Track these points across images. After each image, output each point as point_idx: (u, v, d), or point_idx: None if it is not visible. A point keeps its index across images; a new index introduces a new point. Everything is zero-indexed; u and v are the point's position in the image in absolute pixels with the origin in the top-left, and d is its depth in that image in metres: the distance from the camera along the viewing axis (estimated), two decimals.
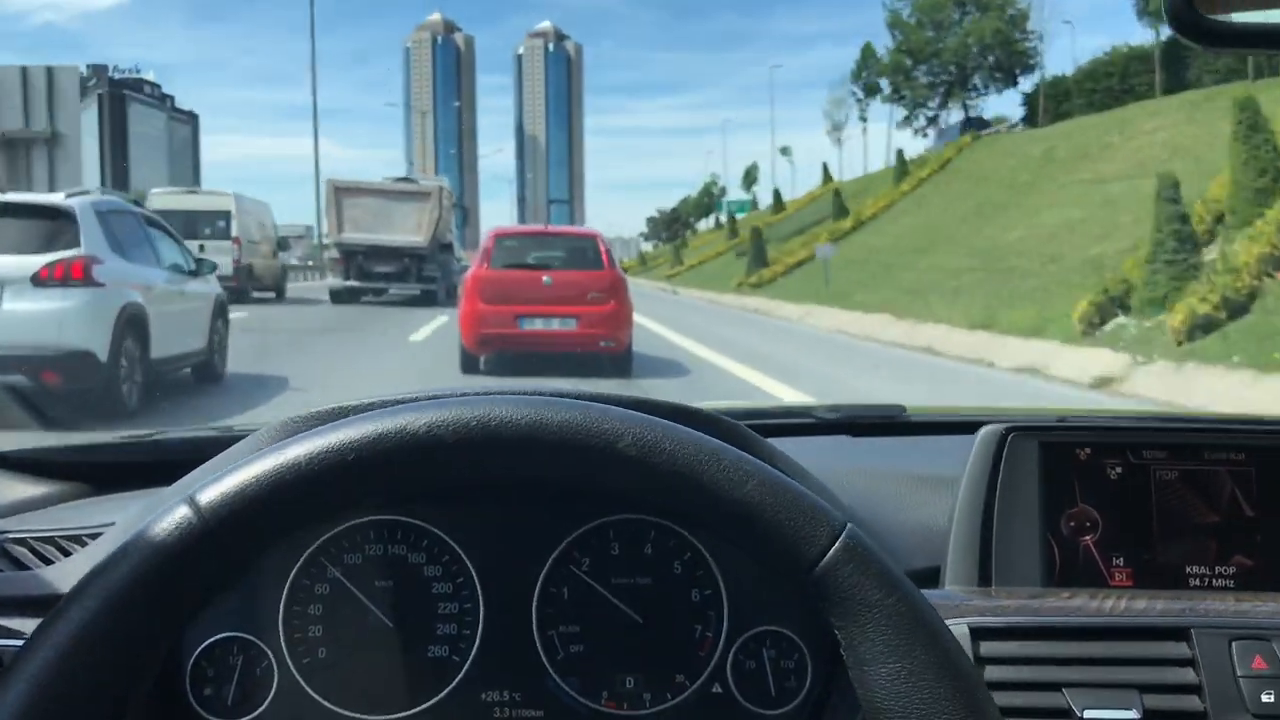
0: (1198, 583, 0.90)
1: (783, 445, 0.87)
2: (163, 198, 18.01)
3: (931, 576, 0.90)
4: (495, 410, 0.58)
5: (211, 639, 0.71)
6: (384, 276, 18.98)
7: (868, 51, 42.64)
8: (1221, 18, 0.54)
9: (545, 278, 8.50)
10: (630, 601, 0.75)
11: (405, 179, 20.09)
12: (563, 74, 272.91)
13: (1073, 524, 0.91)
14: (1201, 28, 0.54)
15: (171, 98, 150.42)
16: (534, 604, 0.75)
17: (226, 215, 17.34)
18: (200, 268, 7.64)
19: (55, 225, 5.81)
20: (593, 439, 0.58)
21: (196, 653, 0.71)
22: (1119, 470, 0.92)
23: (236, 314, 9.47)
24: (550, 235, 9.72)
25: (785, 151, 73.71)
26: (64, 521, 0.87)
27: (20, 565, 0.81)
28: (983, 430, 0.94)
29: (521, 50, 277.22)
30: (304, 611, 0.73)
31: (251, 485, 0.57)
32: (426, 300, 19.07)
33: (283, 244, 20.42)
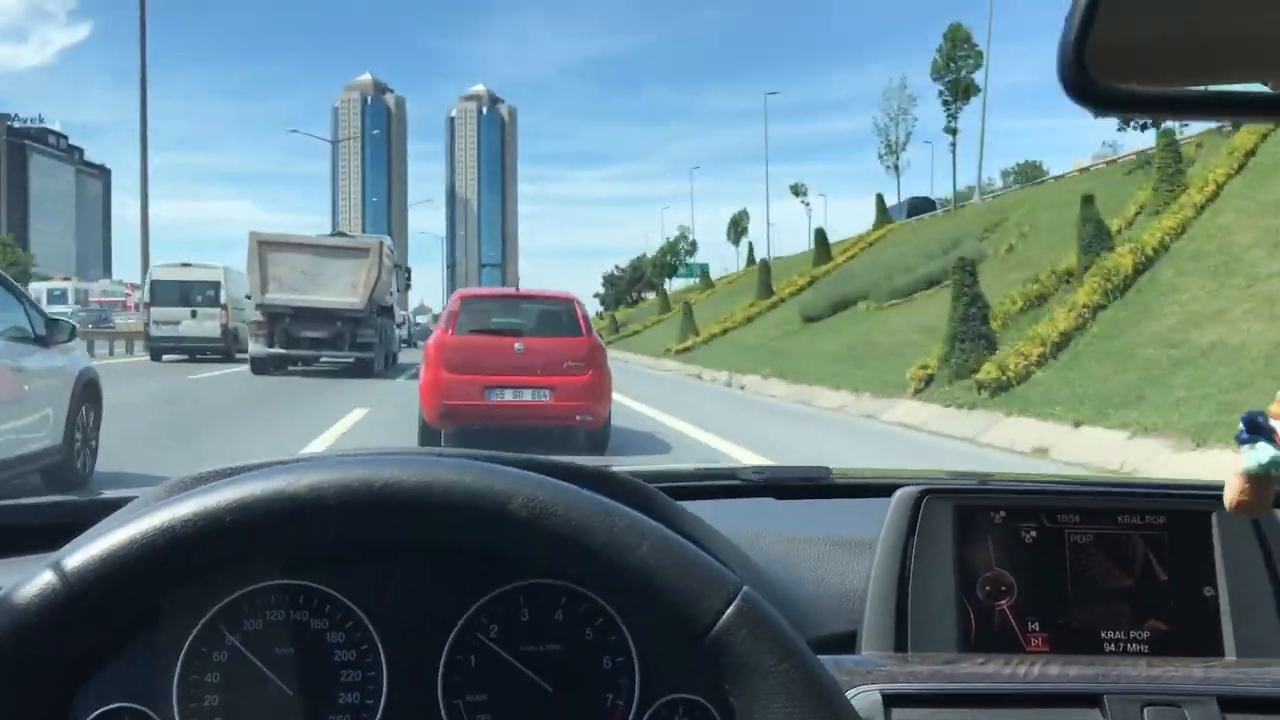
0: (1112, 648, 0.93)
1: (703, 508, 0.90)
2: (162, 270, 21.35)
3: (849, 641, 0.92)
4: (382, 471, 0.59)
5: (101, 710, 0.67)
6: (313, 343, 17.41)
7: (957, 34, 33.95)
8: (1116, 85, 0.55)
9: (516, 344, 7.95)
10: (540, 669, 0.73)
11: (339, 234, 18.57)
12: (496, 137, 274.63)
13: (988, 588, 0.94)
14: (1095, 94, 0.55)
15: (80, 150, 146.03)
16: (440, 672, 0.73)
17: (216, 285, 20.44)
18: (54, 332, 5.69)
19: None
20: (482, 500, 0.59)
21: None
22: (1034, 534, 0.95)
23: (197, 374, 9.00)
24: (522, 299, 8.88)
25: (798, 190, 68.76)
26: None
27: None
28: (898, 493, 0.97)
29: (454, 113, 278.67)
30: (201, 680, 0.70)
31: (120, 549, 0.57)
32: (361, 369, 17.61)
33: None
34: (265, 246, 16.70)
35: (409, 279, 27.40)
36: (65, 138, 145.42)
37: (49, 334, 5.66)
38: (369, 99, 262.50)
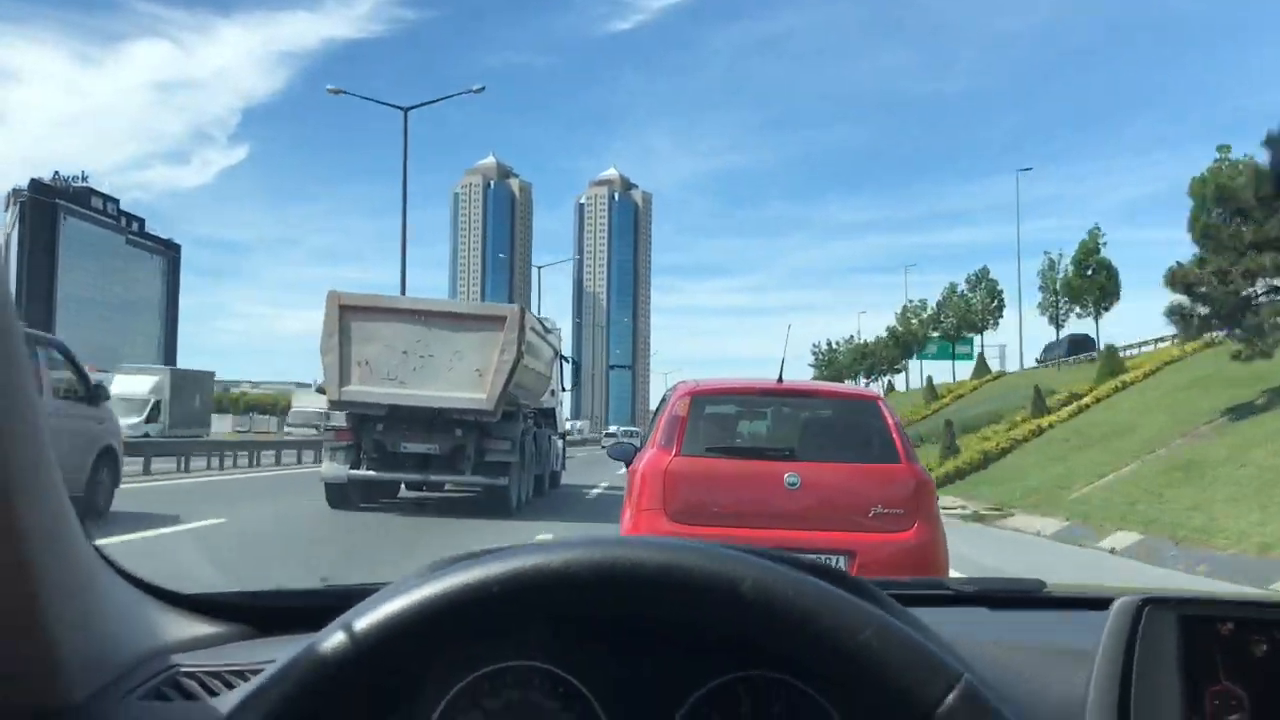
0: None
1: (919, 614, 0.97)
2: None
3: None
4: (629, 552, 0.71)
5: None
6: (418, 461, 12.81)
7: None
8: None
9: (788, 476, 5.12)
10: None
11: (459, 303, 14.06)
12: (629, 225, 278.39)
13: (1217, 703, 0.96)
14: None
15: (140, 220, 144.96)
16: None
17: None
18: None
19: None
20: (716, 581, 0.70)
21: None
22: (1265, 648, 0.97)
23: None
24: (790, 396, 5.78)
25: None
26: (231, 658, 1.03)
27: (189, 696, 0.96)
28: (1118, 601, 1.03)
29: (584, 199, 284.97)
30: None
31: (402, 613, 0.70)
32: (494, 504, 12.82)
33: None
34: (349, 313, 12.30)
35: (578, 373, 22.59)
36: (116, 201, 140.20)
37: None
38: (492, 184, 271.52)
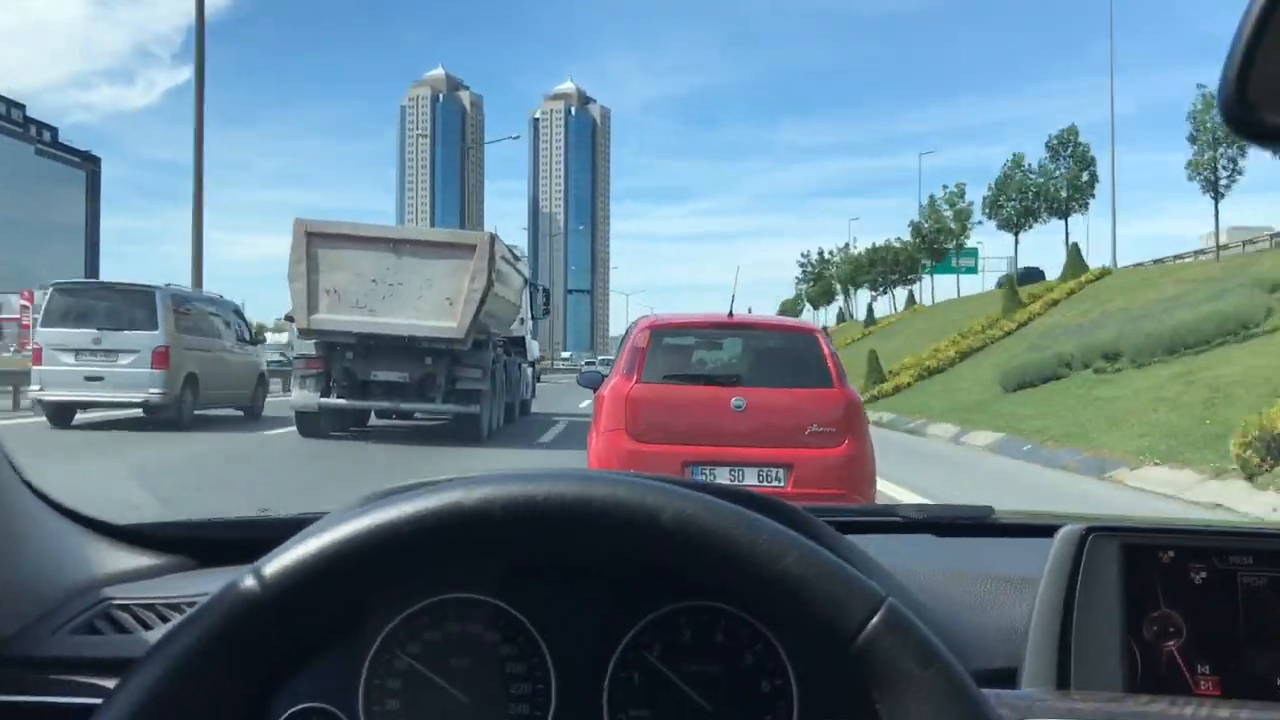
0: None
1: (865, 542, 1.04)
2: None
3: (1009, 677, 1.02)
4: (543, 487, 0.72)
5: (294, 709, 0.84)
6: (388, 389, 13.17)
7: None
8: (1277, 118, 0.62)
9: (734, 399, 6.18)
10: (700, 689, 0.88)
11: (429, 230, 14.31)
12: (586, 140, 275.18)
13: (1155, 629, 1.03)
14: (1256, 125, 0.62)
15: (51, 129, 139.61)
16: (605, 687, 0.88)
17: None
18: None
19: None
20: (634, 514, 0.72)
21: None
22: (1204, 575, 1.04)
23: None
24: (737, 329, 6.81)
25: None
26: (167, 590, 1.08)
27: (122, 629, 1.01)
28: (1063, 530, 1.09)
29: (539, 113, 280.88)
30: (383, 686, 0.87)
31: (310, 558, 0.71)
32: (463, 431, 13.31)
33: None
34: (316, 240, 12.47)
35: (548, 302, 22.95)
36: (22, 107, 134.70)
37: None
38: (440, 96, 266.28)
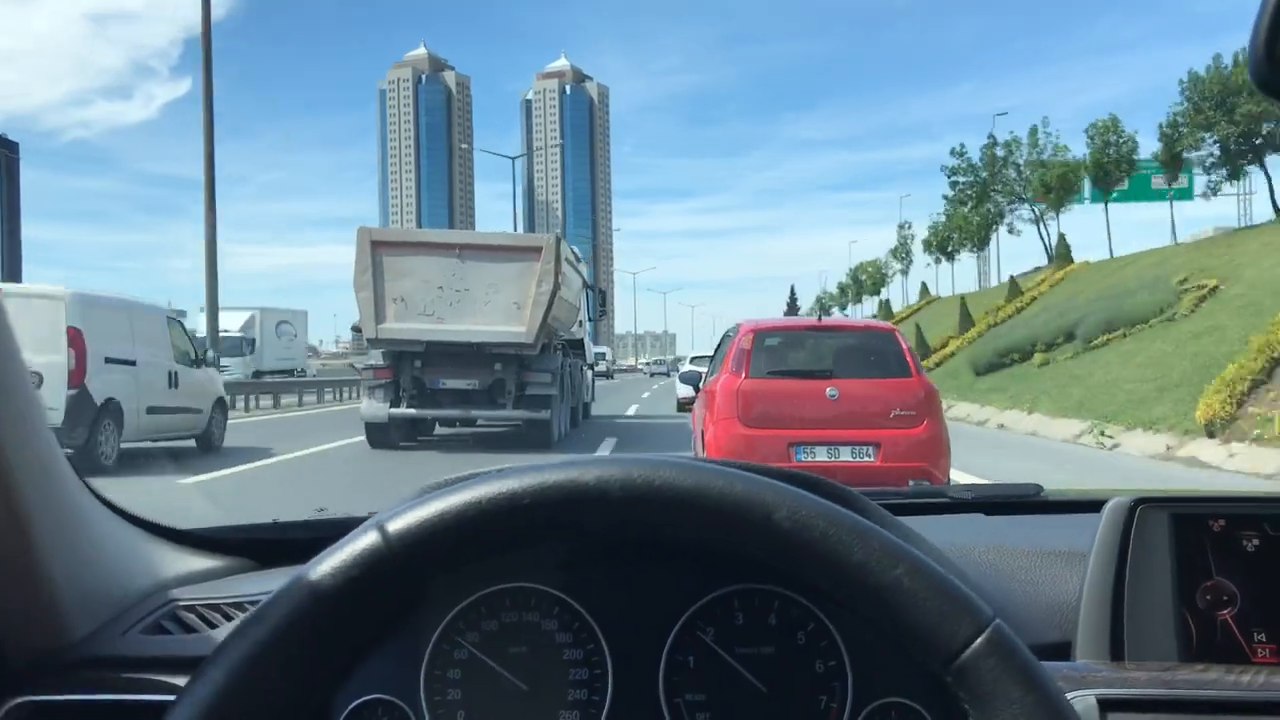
0: None
1: (914, 523, 1.13)
2: None
3: (1063, 650, 1.09)
4: (661, 472, 0.78)
5: (359, 700, 0.92)
6: (458, 397, 14.20)
7: None
8: None
9: (829, 390, 8.06)
10: (755, 671, 0.95)
11: (493, 234, 15.32)
12: (583, 121, 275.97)
13: (1209, 598, 1.09)
14: None
15: None
16: (661, 671, 0.95)
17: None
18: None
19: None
20: (750, 508, 0.77)
21: (345, 714, 0.92)
22: (1256, 543, 1.10)
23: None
24: (826, 331, 8.98)
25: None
26: (229, 591, 1.18)
27: (188, 629, 1.11)
28: (1111, 502, 1.16)
29: (531, 94, 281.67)
30: (443, 676, 0.95)
31: (435, 517, 0.78)
32: (535, 437, 14.32)
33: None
34: (381, 248, 13.53)
35: (604, 303, 24.11)
36: None
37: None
38: (423, 78, 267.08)
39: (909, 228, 73.15)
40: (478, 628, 0.97)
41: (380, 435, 14.15)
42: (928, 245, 62.20)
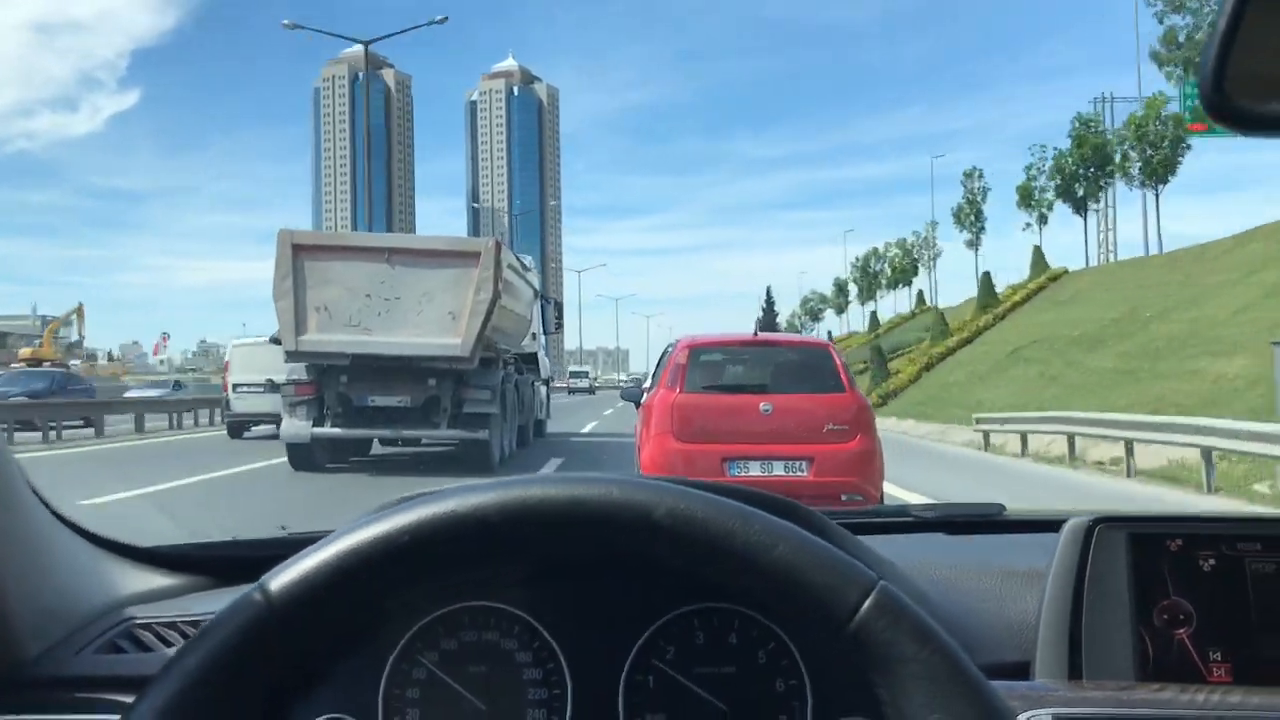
0: None
1: (875, 542, 1.18)
2: None
3: (1022, 670, 1.14)
4: (534, 489, 0.82)
5: (316, 719, 0.97)
6: (387, 416, 13.73)
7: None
8: (1255, 106, 0.73)
9: (763, 404, 8.45)
10: (715, 691, 0.99)
11: (427, 238, 14.84)
12: (532, 124, 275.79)
13: (1165, 617, 1.15)
14: (1234, 113, 0.73)
15: None
16: (620, 691, 1.00)
17: None
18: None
19: None
20: (627, 510, 0.81)
21: None
22: (1212, 562, 1.17)
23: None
24: (761, 346, 9.42)
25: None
26: (188, 609, 1.22)
27: (144, 647, 1.15)
28: (1070, 522, 1.23)
29: (475, 95, 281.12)
30: (402, 695, 0.99)
31: (314, 571, 0.80)
32: (474, 458, 13.85)
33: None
34: (303, 252, 13.04)
35: (560, 316, 23.70)
36: None
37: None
38: (360, 76, 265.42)
39: (934, 228, 78.96)
40: (436, 647, 1.01)
41: (303, 457, 13.70)
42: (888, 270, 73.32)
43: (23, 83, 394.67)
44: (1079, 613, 1.15)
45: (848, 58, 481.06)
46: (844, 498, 8.12)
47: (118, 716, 0.83)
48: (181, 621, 1.19)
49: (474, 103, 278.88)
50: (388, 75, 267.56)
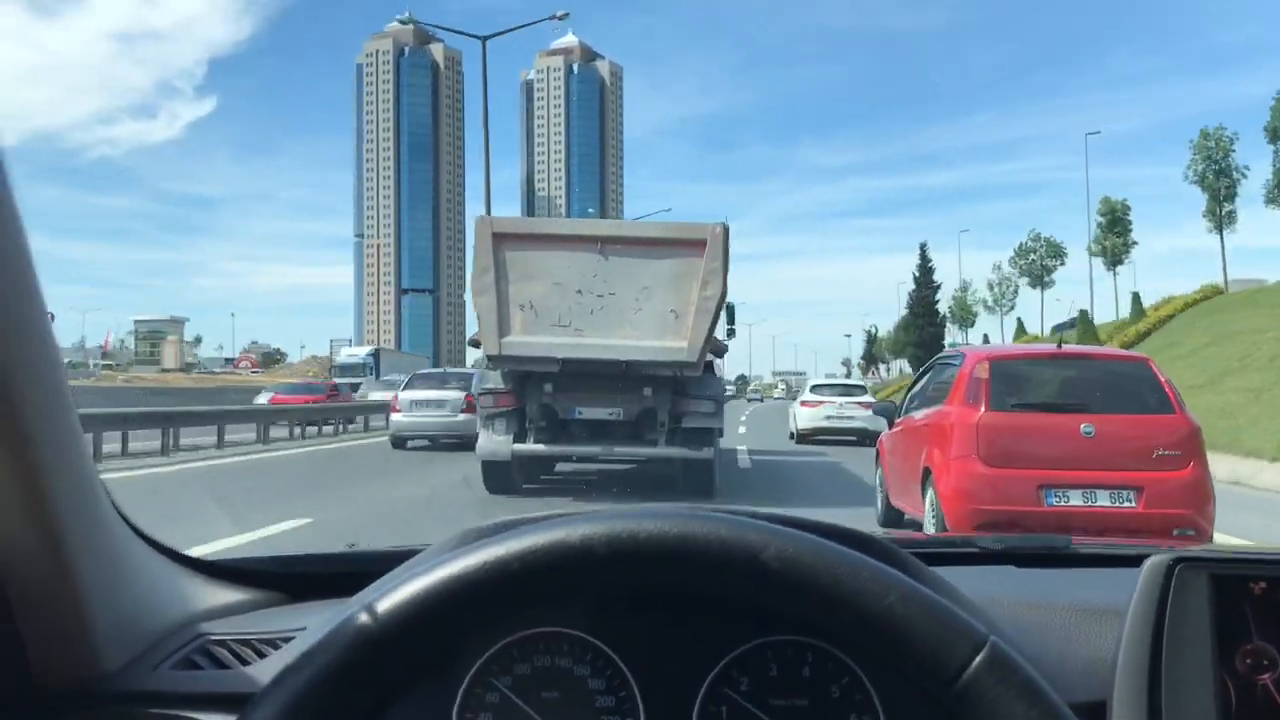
0: None
1: (945, 573, 1.21)
2: None
3: (1098, 711, 1.17)
4: (646, 524, 0.89)
5: None
6: (596, 431, 13.13)
7: None
8: None
9: (1084, 426, 8.14)
10: None
11: (644, 224, 14.06)
12: (593, 106, 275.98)
13: (1249, 661, 1.17)
14: None
15: None
16: None
17: None
18: None
19: None
20: (736, 551, 0.87)
21: None
22: None
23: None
24: (1073, 359, 9.20)
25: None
26: (261, 626, 1.30)
27: (220, 664, 1.21)
28: (1149, 561, 1.24)
29: (532, 74, 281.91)
30: (474, 719, 1.07)
31: (423, 594, 0.88)
32: (693, 483, 13.05)
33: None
34: (505, 243, 12.44)
35: (732, 318, 22.94)
36: None
37: None
38: (406, 50, 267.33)
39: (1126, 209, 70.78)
40: (510, 671, 1.09)
41: (500, 478, 13.13)
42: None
43: (105, 90, 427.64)
44: (1158, 654, 1.17)
45: (913, 64, 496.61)
46: (1175, 533, 7.92)
47: None
48: (255, 639, 1.26)
49: (530, 82, 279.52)
50: (436, 51, 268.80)
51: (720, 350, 13.57)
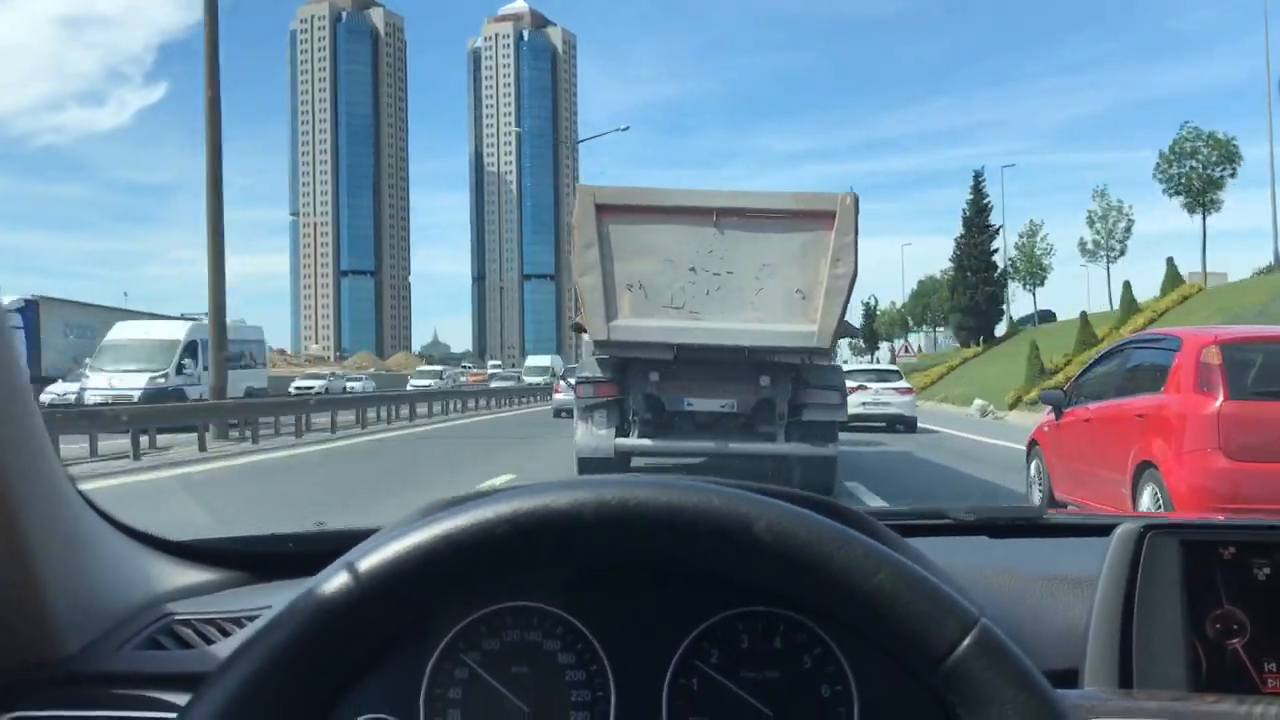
0: None
1: (919, 544, 1.25)
2: None
3: (1070, 677, 1.22)
4: (635, 492, 0.91)
5: (358, 718, 1.05)
6: (706, 424, 12.38)
7: None
8: None
9: None
10: (759, 695, 1.08)
11: (765, 195, 13.12)
12: (544, 75, 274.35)
13: (1219, 626, 1.23)
14: None
15: None
16: (664, 695, 1.09)
17: None
18: None
19: None
20: (727, 522, 0.90)
21: None
22: (1267, 571, 1.25)
23: None
24: None
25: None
26: (227, 605, 1.34)
27: (184, 644, 1.25)
28: (1120, 528, 1.32)
29: (479, 42, 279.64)
30: (444, 695, 1.09)
31: (406, 554, 0.90)
32: (814, 479, 12.02)
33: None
34: (609, 214, 11.57)
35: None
36: None
37: None
38: (343, 15, 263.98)
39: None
40: (479, 646, 1.10)
41: (601, 473, 12.25)
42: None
43: (51, 77, 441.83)
44: (1129, 620, 1.22)
45: (870, 51, 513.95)
46: None
47: (163, 714, 0.98)
48: (221, 618, 1.29)
49: (477, 50, 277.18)
50: (375, 16, 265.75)
51: (854, 334, 12.78)
